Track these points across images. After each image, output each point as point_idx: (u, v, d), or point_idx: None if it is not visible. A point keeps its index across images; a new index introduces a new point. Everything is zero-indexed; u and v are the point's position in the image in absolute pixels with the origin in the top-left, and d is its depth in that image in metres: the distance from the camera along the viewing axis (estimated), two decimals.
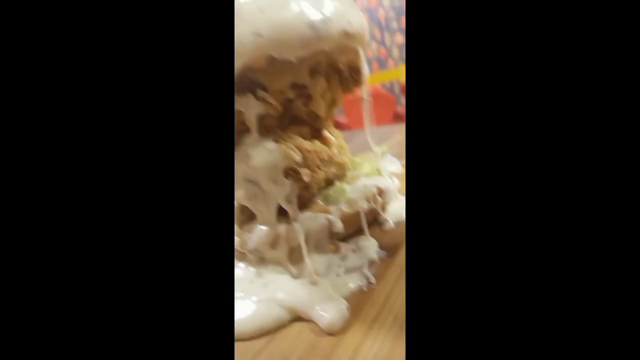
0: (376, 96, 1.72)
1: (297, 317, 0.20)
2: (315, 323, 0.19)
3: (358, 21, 0.23)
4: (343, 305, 0.19)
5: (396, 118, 1.79)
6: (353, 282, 0.22)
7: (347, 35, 0.22)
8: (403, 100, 2.26)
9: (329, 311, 0.19)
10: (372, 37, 2.55)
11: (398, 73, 2.32)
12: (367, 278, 0.22)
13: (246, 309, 0.21)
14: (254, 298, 0.22)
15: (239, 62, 0.21)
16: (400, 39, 2.43)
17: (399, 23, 2.41)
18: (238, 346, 0.19)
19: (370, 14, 2.60)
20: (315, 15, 0.20)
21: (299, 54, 0.21)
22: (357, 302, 0.20)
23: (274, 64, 0.23)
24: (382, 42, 2.53)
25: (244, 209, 0.27)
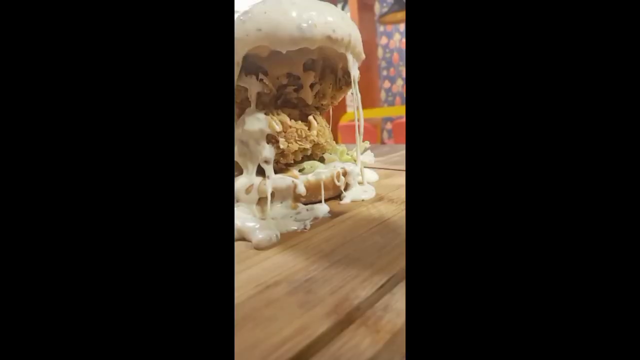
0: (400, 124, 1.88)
1: (242, 238, 0.25)
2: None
3: (345, 31, 0.29)
4: (275, 233, 0.24)
5: None
6: (294, 226, 0.26)
7: (330, 39, 0.28)
8: None
9: (262, 234, 0.24)
10: (399, 74, 2.97)
11: None
12: (305, 226, 0.26)
13: None
14: None
15: (245, 49, 0.28)
16: None
17: None
18: None
19: (400, 54, 2.96)
20: (304, 22, 0.27)
21: (288, 48, 0.27)
22: (289, 237, 0.25)
23: (275, 56, 0.30)
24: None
25: (235, 165, 0.33)
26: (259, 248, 0.23)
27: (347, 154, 0.36)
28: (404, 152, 0.63)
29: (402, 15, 2.15)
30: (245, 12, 0.27)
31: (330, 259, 0.21)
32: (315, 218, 0.28)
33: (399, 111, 2.14)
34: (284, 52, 0.28)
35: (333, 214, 0.29)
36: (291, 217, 0.28)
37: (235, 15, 0.28)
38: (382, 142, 2.76)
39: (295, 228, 0.26)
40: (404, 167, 0.47)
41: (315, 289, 0.17)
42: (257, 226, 0.25)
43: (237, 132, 0.31)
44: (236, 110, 0.35)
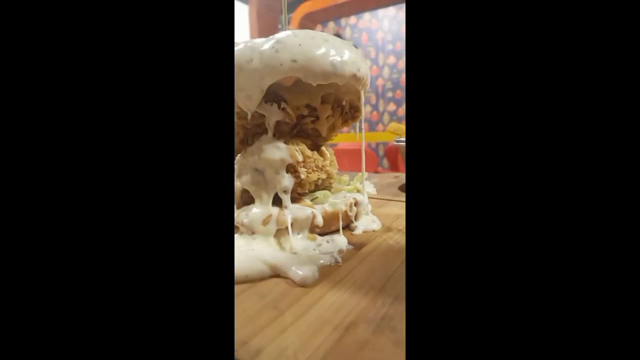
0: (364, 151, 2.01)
1: (277, 275, 0.23)
2: (291, 279, 0.23)
3: (365, 70, 0.30)
4: (315, 268, 0.23)
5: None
6: (324, 260, 0.25)
7: (355, 77, 0.29)
8: (384, 162, 2.42)
9: (303, 270, 0.23)
10: (368, 100, 2.82)
11: (385, 136, 2.52)
12: (335, 259, 0.26)
13: (235, 262, 0.24)
14: (243, 257, 0.25)
15: (275, 77, 0.27)
16: (392, 107, 2.73)
17: (394, 94, 2.72)
18: None
19: (371, 80, 3.02)
20: (336, 57, 0.27)
21: (319, 81, 0.27)
22: (326, 272, 0.24)
23: (297, 86, 0.29)
24: (375, 107, 2.79)
25: (243, 193, 0.31)
26: (305, 285, 0.22)
27: (349, 184, 0.36)
28: (376, 180, 0.66)
29: None
30: (278, 41, 0.27)
31: (388, 294, 0.20)
32: (340, 250, 0.27)
33: (354, 138, 2.24)
34: (314, 84, 0.27)
35: (354, 246, 0.29)
36: (314, 249, 0.27)
37: (268, 43, 0.27)
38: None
39: (327, 262, 0.25)
40: (392, 197, 0.49)
41: (398, 327, 0.17)
42: (291, 261, 0.24)
43: (252, 159, 0.29)
44: (242, 136, 0.33)
